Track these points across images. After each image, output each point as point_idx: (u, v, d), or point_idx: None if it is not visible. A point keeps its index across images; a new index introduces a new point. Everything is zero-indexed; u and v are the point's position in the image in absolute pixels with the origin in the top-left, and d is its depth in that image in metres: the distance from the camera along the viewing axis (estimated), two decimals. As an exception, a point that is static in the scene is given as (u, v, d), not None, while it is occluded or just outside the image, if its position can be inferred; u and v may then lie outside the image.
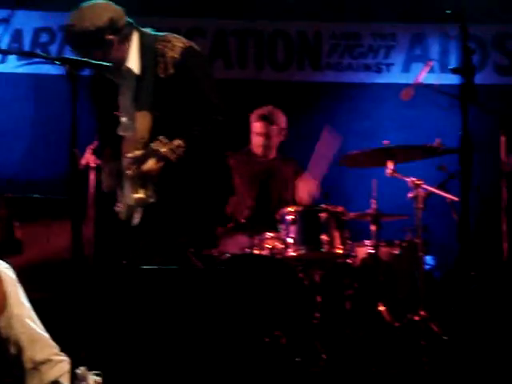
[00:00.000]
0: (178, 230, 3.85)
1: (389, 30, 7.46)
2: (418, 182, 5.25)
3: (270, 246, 5.12)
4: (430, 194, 5.31)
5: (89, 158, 5.22)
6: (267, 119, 5.81)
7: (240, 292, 4.72)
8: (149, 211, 3.86)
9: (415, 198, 5.25)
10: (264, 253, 5.11)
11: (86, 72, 3.71)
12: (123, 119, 3.92)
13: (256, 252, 5.13)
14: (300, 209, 5.16)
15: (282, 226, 5.14)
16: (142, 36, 3.88)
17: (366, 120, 7.09)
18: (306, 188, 5.60)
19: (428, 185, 5.33)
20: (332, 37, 7.42)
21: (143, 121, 3.81)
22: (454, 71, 3.24)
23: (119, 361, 3.63)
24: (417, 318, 4.99)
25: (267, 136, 5.82)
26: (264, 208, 5.62)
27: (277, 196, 5.77)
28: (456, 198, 5.26)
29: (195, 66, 3.86)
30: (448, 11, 3.25)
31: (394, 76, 7.36)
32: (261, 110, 5.89)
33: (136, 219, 3.89)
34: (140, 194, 3.82)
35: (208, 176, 3.91)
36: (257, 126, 5.84)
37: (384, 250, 5.47)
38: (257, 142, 5.84)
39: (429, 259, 5.65)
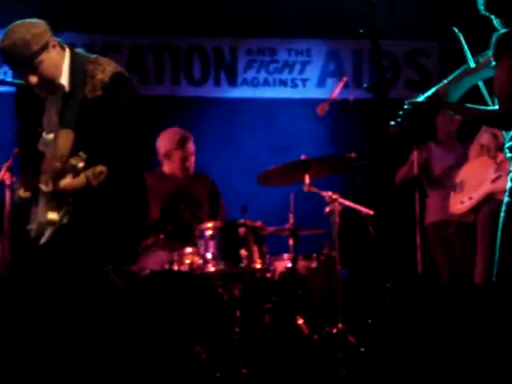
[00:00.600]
0: (88, 251, 3.82)
1: (304, 45, 7.56)
2: (334, 196, 5.33)
3: (189, 262, 5.13)
4: (346, 207, 5.40)
5: (4, 176, 5.16)
6: (190, 140, 5.86)
7: (160, 308, 4.71)
8: (60, 231, 3.81)
9: (332, 211, 5.33)
10: (183, 268, 5.11)
11: (2, 89, 3.68)
12: (45, 135, 3.88)
13: (175, 268, 5.12)
14: (219, 224, 5.18)
15: (201, 242, 5.15)
16: (73, 55, 3.87)
17: (283, 135, 7.15)
18: None
19: (344, 198, 5.41)
20: (248, 52, 7.49)
21: (66, 139, 3.78)
22: (368, 89, 3.31)
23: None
24: (334, 331, 5.05)
25: (192, 156, 5.87)
26: (182, 225, 5.62)
27: (192, 213, 5.77)
28: (371, 212, 5.37)
29: (123, 91, 3.87)
30: (361, 30, 3.33)
31: (310, 91, 7.46)
32: (179, 132, 5.89)
33: (44, 238, 3.83)
34: (53, 215, 3.77)
35: (123, 199, 3.91)
36: (189, 148, 5.84)
37: (302, 263, 5.53)
38: (185, 163, 5.84)
39: (346, 272, 5.73)
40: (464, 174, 5.59)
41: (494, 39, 3.86)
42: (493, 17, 4.07)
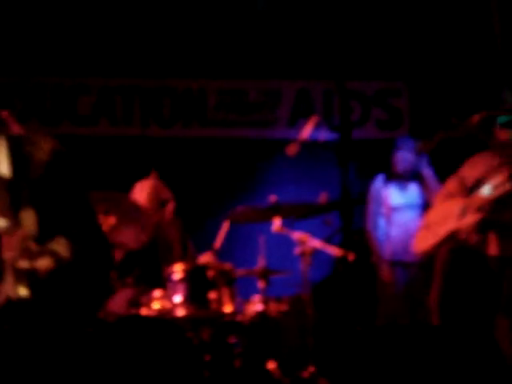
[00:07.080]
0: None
1: (274, 85, 7.56)
2: (304, 238, 5.27)
3: (157, 306, 5.04)
4: (317, 248, 5.34)
5: None
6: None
7: (128, 355, 4.61)
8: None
9: (302, 253, 5.27)
10: (151, 313, 5.02)
11: None
12: None
13: (143, 312, 5.03)
14: (187, 267, 5.10)
15: (169, 285, 5.06)
16: (9, 140, 3.79)
17: (253, 175, 7.12)
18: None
19: (315, 239, 5.35)
20: (217, 93, 7.47)
21: (29, 220, 3.69)
22: (333, 129, 3.29)
23: None
24: (306, 374, 4.98)
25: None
26: (151, 267, 5.54)
27: (163, 255, 5.71)
28: (341, 253, 5.30)
29: (64, 167, 3.79)
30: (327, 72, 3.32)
31: (280, 131, 7.44)
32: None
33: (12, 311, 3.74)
34: (24, 292, 3.68)
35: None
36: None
37: (272, 306, 5.44)
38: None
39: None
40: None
41: None
42: None
